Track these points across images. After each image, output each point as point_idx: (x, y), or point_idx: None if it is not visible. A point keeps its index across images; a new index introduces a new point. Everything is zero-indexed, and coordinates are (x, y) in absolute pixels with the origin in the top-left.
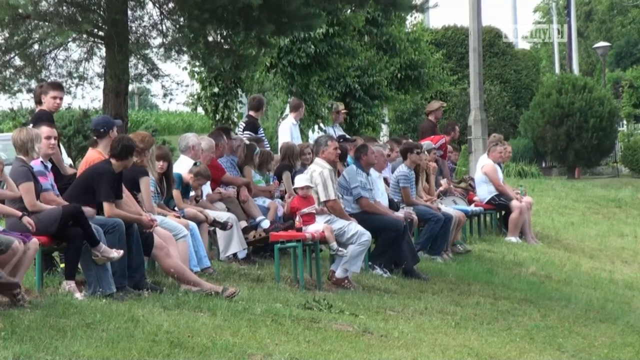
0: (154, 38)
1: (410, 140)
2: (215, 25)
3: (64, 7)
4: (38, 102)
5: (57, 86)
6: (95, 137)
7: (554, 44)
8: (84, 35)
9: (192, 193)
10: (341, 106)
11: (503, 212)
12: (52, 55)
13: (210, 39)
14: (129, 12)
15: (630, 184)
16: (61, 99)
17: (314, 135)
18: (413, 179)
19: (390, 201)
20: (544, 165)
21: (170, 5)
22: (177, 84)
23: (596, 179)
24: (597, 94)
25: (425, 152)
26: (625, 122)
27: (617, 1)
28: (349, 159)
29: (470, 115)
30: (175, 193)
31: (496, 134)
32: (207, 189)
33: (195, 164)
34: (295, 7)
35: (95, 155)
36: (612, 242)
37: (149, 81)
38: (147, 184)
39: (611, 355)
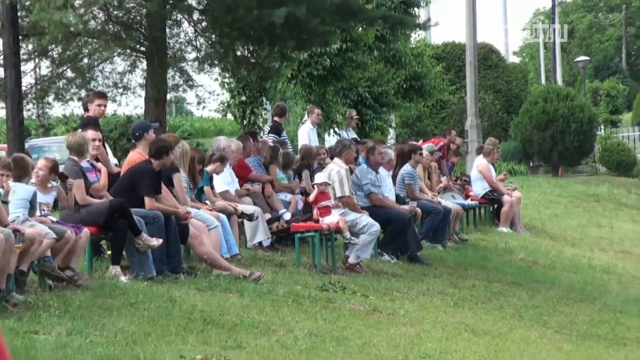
0: (189, 53)
1: (414, 143)
2: (243, 41)
3: (110, 26)
4: (86, 109)
5: (102, 95)
6: (133, 140)
7: (540, 58)
8: (128, 51)
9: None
10: (353, 112)
11: (495, 206)
12: (100, 68)
13: (238, 53)
14: (167, 30)
15: (607, 181)
16: (105, 106)
17: (330, 138)
18: (417, 177)
19: (397, 196)
20: (531, 164)
21: (204, 24)
22: (210, 93)
23: (577, 176)
24: (578, 102)
25: (427, 153)
26: (602, 126)
27: (595, 21)
28: (360, 159)
29: (467, 121)
30: (207, 188)
31: (492, 138)
32: (235, 185)
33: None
34: (314, 25)
35: (136, 155)
36: (591, 232)
37: (184, 91)
38: (179, 179)
39: (590, 330)
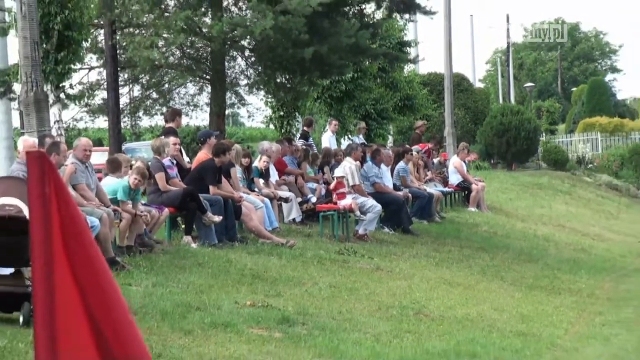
0: (242, 80)
1: (407, 146)
2: (281, 71)
3: (184, 60)
4: (166, 121)
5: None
6: (199, 144)
7: (498, 84)
8: (197, 78)
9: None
10: (362, 124)
11: (466, 192)
12: (176, 91)
13: (278, 80)
14: (226, 63)
15: (547, 174)
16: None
17: (345, 143)
18: (409, 171)
19: (394, 185)
20: (492, 162)
21: (253, 59)
22: (257, 109)
23: (525, 170)
24: (526, 117)
25: (416, 153)
26: (544, 134)
27: (539, 57)
28: (367, 157)
29: (445, 130)
30: (256, 179)
31: (463, 143)
32: (276, 177)
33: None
34: (333, 60)
35: (202, 155)
36: (536, 211)
37: (238, 107)
38: (235, 173)
39: (535, 283)
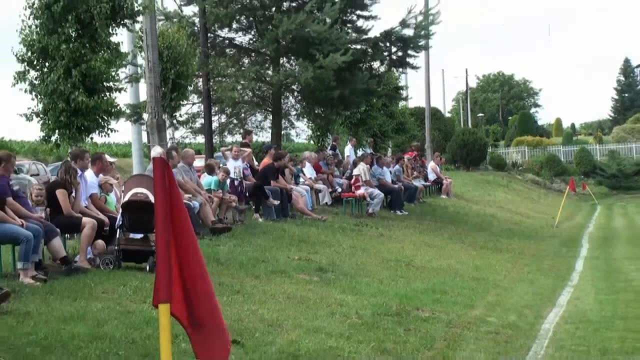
0: (292, 111)
1: (401, 155)
2: (318, 106)
3: (255, 98)
4: (243, 138)
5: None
6: (264, 153)
7: (460, 114)
8: (263, 110)
9: (309, 176)
10: (371, 140)
11: (439, 185)
12: (249, 118)
13: (316, 112)
14: (281, 101)
15: (492, 174)
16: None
17: (360, 152)
18: (402, 171)
19: (392, 180)
20: (456, 165)
21: (299, 98)
22: (302, 130)
23: (478, 171)
24: (479, 136)
25: (406, 159)
26: (490, 147)
27: (487, 96)
28: (375, 162)
29: (426, 145)
30: (302, 175)
31: (437, 152)
32: (313, 175)
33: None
34: (352, 99)
35: (266, 160)
36: (485, 197)
37: (290, 129)
38: (288, 172)
39: (484, 245)
